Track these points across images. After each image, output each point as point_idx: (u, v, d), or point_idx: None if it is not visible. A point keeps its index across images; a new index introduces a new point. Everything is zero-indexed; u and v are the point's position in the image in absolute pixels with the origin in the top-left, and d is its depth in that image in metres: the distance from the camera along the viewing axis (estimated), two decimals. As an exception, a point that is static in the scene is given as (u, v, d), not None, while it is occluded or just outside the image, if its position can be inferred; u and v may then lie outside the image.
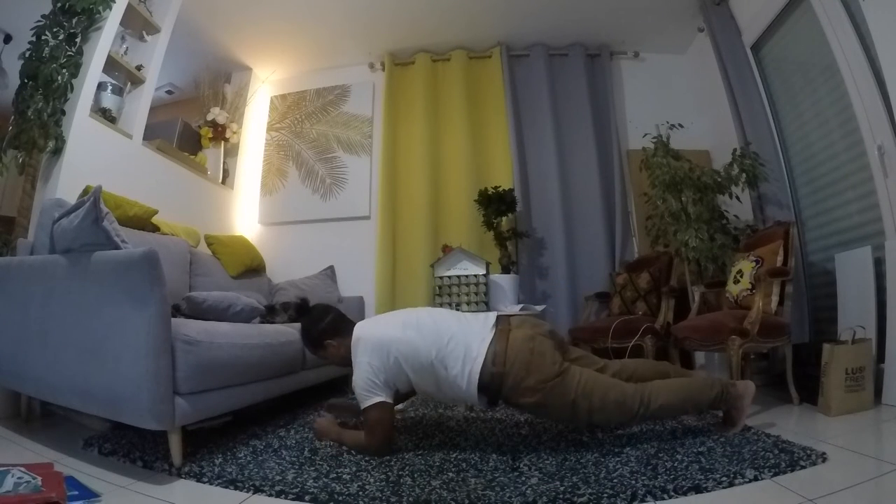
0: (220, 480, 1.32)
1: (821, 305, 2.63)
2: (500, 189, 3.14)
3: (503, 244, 3.16)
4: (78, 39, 2.35)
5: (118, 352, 1.38)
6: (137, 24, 2.83)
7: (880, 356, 1.99)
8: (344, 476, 1.33)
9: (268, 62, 3.95)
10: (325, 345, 1.65)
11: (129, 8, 2.62)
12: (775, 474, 1.24)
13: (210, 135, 3.62)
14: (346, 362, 1.60)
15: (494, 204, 3.12)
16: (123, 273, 1.41)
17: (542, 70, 3.74)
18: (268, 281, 3.39)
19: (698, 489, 1.18)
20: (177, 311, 1.98)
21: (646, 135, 3.00)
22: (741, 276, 2.34)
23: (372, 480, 1.29)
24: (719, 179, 2.74)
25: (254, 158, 3.98)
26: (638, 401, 1.48)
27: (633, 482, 1.22)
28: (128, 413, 1.41)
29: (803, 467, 1.28)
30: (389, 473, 1.35)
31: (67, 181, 2.21)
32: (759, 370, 2.58)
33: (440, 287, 2.87)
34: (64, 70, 2.24)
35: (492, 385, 1.49)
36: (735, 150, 2.81)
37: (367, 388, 1.50)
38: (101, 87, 2.55)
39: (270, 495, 1.24)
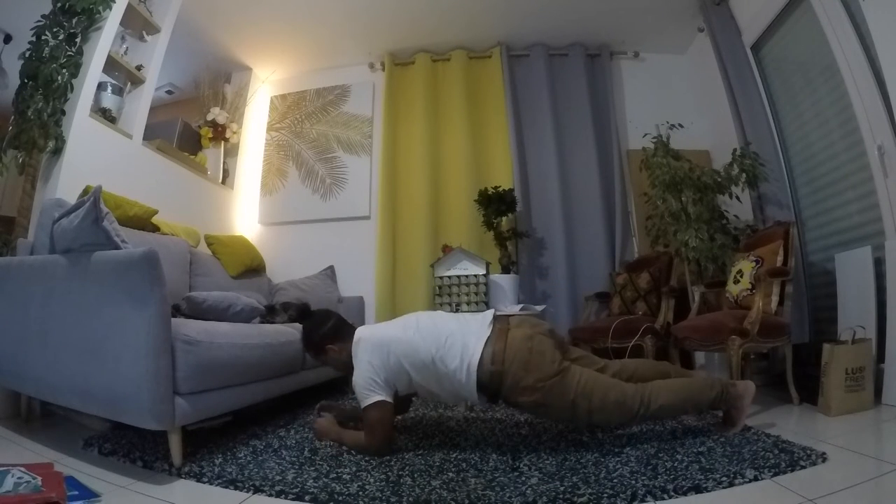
0: (220, 480, 1.32)
1: (821, 305, 2.63)
2: (500, 189, 3.14)
3: (503, 244, 3.16)
4: (78, 39, 2.35)
5: (118, 352, 1.38)
6: (137, 24, 2.83)
7: (880, 356, 1.99)
8: (344, 476, 1.33)
9: (268, 62, 3.95)
10: (326, 349, 1.65)
11: (129, 8, 2.62)
12: (775, 474, 1.24)
13: (210, 135, 3.62)
14: (347, 367, 1.61)
15: (494, 204, 3.12)
16: (123, 273, 1.41)
17: (542, 70, 3.74)
18: (268, 281, 3.39)
19: (698, 489, 1.18)
20: (177, 311, 1.98)
21: (646, 135, 3.00)
22: (741, 276, 2.34)
23: (372, 480, 1.29)
24: (719, 179, 2.74)
25: (254, 158, 3.98)
26: (638, 401, 1.48)
27: (633, 482, 1.22)
28: (128, 413, 1.41)
29: (803, 467, 1.28)
30: (389, 473, 1.35)
31: (67, 181, 2.21)
32: (759, 370, 2.58)
33: (440, 287, 2.87)
34: (64, 70, 2.24)
35: (491, 384, 1.49)
36: (735, 150, 2.81)
37: (368, 386, 1.50)
38: (101, 87, 2.55)
39: (270, 495, 1.24)
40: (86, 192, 2.13)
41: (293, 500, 1.21)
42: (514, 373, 1.47)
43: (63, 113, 2.27)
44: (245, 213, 3.84)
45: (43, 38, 2.27)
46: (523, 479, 1.28)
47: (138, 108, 2.76)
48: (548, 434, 1.72)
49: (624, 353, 2.41)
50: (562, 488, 1.20)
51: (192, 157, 3.41)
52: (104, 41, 2.45)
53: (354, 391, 1.55)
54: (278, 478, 1.32)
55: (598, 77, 3.79)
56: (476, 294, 2.84)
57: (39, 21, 2.29)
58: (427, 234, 3.48)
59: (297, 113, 4.00)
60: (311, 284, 3.37)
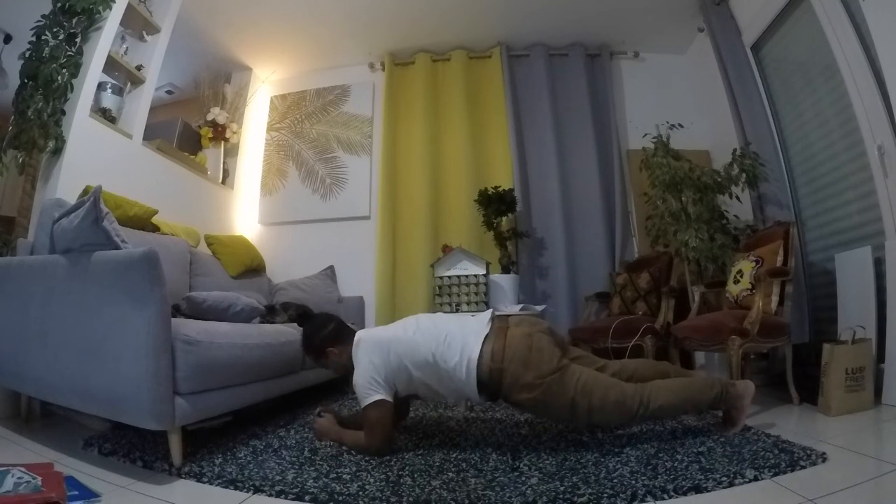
0: (220, 480, 1.32)
1: (821, 305, 2.63)
2: (500, 189, 3.14)
3: (503, 244, 3.16)
4: (78, 39, 2.35)
5: (118, 352, 1.38)
6: (137, 24, 2.83)
7: (880, 356, 1.99)
8: (344, 476, 1.33)
9: (268, 62, 3.95)
10: (326, 352, 1.66)
11: (129, 8, 2.62)
12: (775, 474, 1.24)
13: (210, 135, 3.62)
14: (347, 370, 1.63)
15: (494, 204, 3.12)
16: (123, 273, 1.41)
17: (542, 70, 3.74)
18: (268, 281, 3.39)
19: (698, 489, 1.18)
20: (177, 311, 1.98)
21: (646, 135, 3.00)
22: (741, 276, 2.34)
23: (372, 480, 1.29)
24: (719, 179, 2.74)
25: (254, 158, 3.98)
26: (638, 401, 1.48)
27: (633, 482, 1.22)
28: (128, 413, 1.41)
29: (803, 467, 1.28)
30: (389, 473, 1.35)
31: (67, 181, 2.21)
32: (759, 370, 2.58)
33: (440, 287, 2.87)
34: (64, 70, 2.24)
35: (491, 382, 1.49)
36: (735, 150, 2.81)
37: (369, 385, 1.51)
38: (101, 87, 2.55)
39: (270, 495, 1.24)
40: (86, 192, 2.13)
41: (293, 500, 1.21)
42: (513, 370, 1.47)
43: (63, 113, 2.27)
44: (245, 213, 3.84)
45: (43, 38, 2.27)
46: (523, 479, 1.28)
47: (138, 108, 2.76)
48: (548, 434, 1.72)
49: (624, 353, 2.41)
50: (562, 488, 1.20)
51: (192, 157, 3.41)
52: (104, 41, 2.45)
53: (355, 391, 1.55)
54: (278, 478, 1.32)
55: (598, 77, 3.79)
56: (476, 294, 2.84)
57: (39, 21, 2.29)
58: (427, 234, 3.48)
59: (297, 113, 4.00)
60: (311, 284, 3.37)
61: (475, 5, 3.42)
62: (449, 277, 2.88)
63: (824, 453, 1.34)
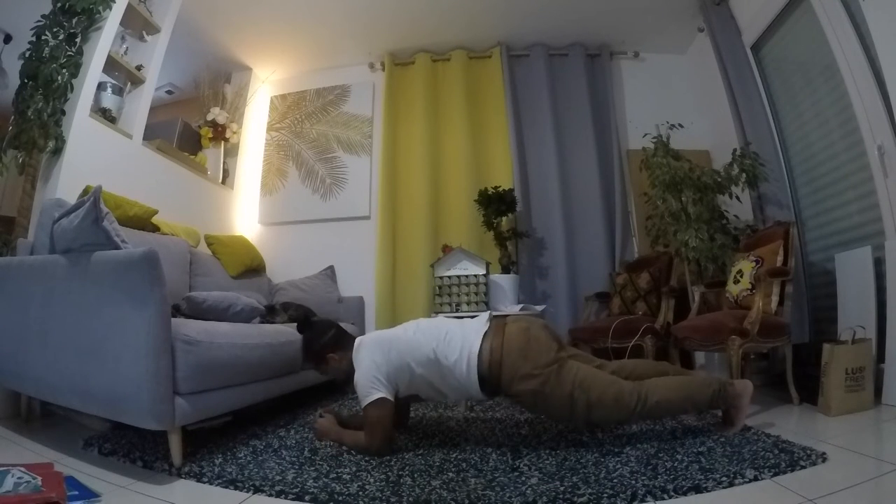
0: (220, 480, 1.32)
1: (821, 305, 2.63)
2: (500, 189, 3.14)
3: (503, 244, 3.16)
4: (78, 39, 2.35)
5: (118, 352, 1.38)
6: (137, 24, 2.83)
7: (880, 356, 1.99)
8: (344, 476, 1.33)
9: (268, 62, 3.95)
10: (327, 358, 1.66)
11: (129, 8, 2.62)
12: (775, 474, 1.24)
13: (210, 135, 3.62)
14: (347, 376, 1.64)
15: (494, 204, 3.12)
16: (123, 273, 1.41)
17: (542, 70, 3.74)
18: (268, 281, 3.39)
19: (698, 489, 1.18)
20: (177, 311, 1.98)
21: (646, 135, 3.00)
22: (741, 276, 2.34)
23: (372, 480, 1.29)
24: (719, 179, 2.74)
25: (254, 158, 3.98)
26: (636, 397, 1.49)
27: (633, 482, 1.22)
28: (128, 413, 1.41)
29: (803, 467, 1.28)
30: (389, 473, 1.35)
31: (67, 181, 2.21)
32: (759, 370, 2.58)
33: (440, 287, 2.87)
34: (64, 70, 2.24)
35: (491, 376, 1.51)
36: (735, 150, 2.81)
37: (370, 384, 1.51)
38: (101, 87, 2.55)
39: (270, 495, 1.24)
40: (86, 192, 2.13)
41: (293, 500, 1.21)
42: (512, 361, 1.50)
43: (63, 113, 2.27)
44: (245, 213, 3.84)
45: (43, 38, 2.27)
46: (523, 479, 1.28)
47: (138, 108, 2.77)
48: (548, 434, 1.72)
49: (624, 353, 2.41)
50: (562, 488, 1.20)
51: (192, 157, 3.41)
52: (104, 41, 2.45)
53: (356, 391, 1.55)
54: (278, 478, 1.32)
55: (598, 77, 3.79)
56: (476, 294, 2.84)
57: (39, 21, 2.29)
58: (427, 234, 3.48)
59: (297, 113, 4.00)
60: (311, 284, 3.37)
61: (475, 5, 3.42)
62: (449, 277, 2.88)
63: (824, 453, 1.34)
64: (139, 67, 2.79)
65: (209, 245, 3.05)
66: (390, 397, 1.53)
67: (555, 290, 3.40)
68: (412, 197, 3.59)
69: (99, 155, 2.45)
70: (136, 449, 1.52)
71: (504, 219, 3.22)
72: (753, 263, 2.32)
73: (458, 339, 1.55)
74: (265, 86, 4.08)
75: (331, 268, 3.59)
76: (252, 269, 3.23)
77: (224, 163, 3.72)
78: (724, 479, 1.21)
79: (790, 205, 2.81)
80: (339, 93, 3.96)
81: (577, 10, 3.47)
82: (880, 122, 2.13)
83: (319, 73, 4.03)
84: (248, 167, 3.94)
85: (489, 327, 1.59)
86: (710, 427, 1.71)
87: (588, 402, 1.47)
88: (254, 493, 1.26)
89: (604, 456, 1.45)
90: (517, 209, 3.29)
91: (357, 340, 1.66)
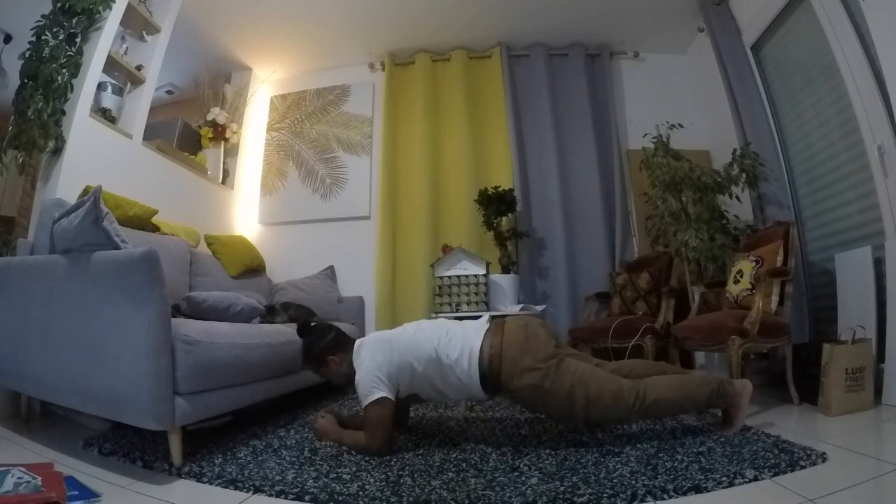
0: (220, 480, 1.32)
1: (821, 305, 2.63)
2: (500, 189, 3.14)
3: (503, 244, 3.16)
4: (78, 39, 2.35)
5: (118, 352, 1.38)
6: (137, 24, 2.83)
7: (880, 356, 1.99)
8: (344, 476, 1.33)
9: (268, 62, 3.95)
10: (327, 361, 1.66)
11: (129, 8, 2.62)
12: (775, 474, 1.24)
13: (210, 135, 3.62)
14: (347, 378, 1.65)
15: (494, 204, 3.12)
16: (123, 273, 1.41)
17: (542, 70, 3.74)
18: (268, 281, 3.39)
19: (698, 489, 1.18)
20: (177, 311, 1.98)
21: (646, 135, 3.00)
22: (741, 276, 2.34)
23: (372, 480, 1.29)
24: (719, 179, 2.74)
25: (254, 158, 3.98)
26: (634, 394, 1.50)
27: (633, 482, 1.22)
28: (128, 413, 1.41)
29: (803, 467, 1.28)
30: (389, 473, 1.35)
31: (67, 181, 2.21)
32: (759, 370, 2.58)
33: (440, 287, 2.87)
34: (64, 70, 2.24)
35: (491, 373, 1.52)
36: (735, 150, 2.81)
37: (371, 383, 1.52)
38: (101, 87, 2.55)
39: (270, 495, 1.24)
40: (86, 192, 2.13)
41: (293, 500, 1.21)
42: (512, 356, 1.52)
43: (63, 113, 2.27)
44: (245, 213, 3.84)
45: (43, 38, 2.27)
46: (523, 479, 1.28)
47: (138, 108, 2.77)
48: (548, 434, 1.72)
49: (624, 353, 2.41)
50: (562, 488, 1.20)
51: (192, 157, 3.41)
52: (104, 41, 2.45)
53: (357, 391, 1.55)
54: (278, 478, 1.32)
55: (598, 77, 3.79)
56: (476, 294, 2.84)
57: (39, 21, 2.29)
58: (427, 234, 3.48)
59: (297, 113, 4.00)
60: (311, 284, 3.37)
61: (475, 5, 3.42)
62: (449, 277, 2.88)
63: (824, 453, 1.34)
64: (139, 67, 2.79)
65: (209, 245, 3.05)
66: (392, 397, 1.54)
67: (555, 290, 3.40)
68: (412, 197, 3.59)
69: (99, 155, 2.45)
70: (136, 449, 1.52)
71: (504, 219, 3.22)
72: (753, 263, 2.32)
73: (460, 338, 1.57)
74: (265, 86, 4.08)
75: (331, 268, 3.59)
76: (252, 269, 3.23)
77: (224, 163, 3.72)
78: (724, 479, 1.21)
79: (790, 205, 2.81)
80: (339, 93, 3.96)
81: (577, 10, 3.47)
82: (880, 122, 2.13)
83: (319, 73, 4.03)
84: (248, 167, 3.94)
85: (489, 327, 1.61)
86: (709, 427, 1.71)
87: (587, 397, 1.48)
88: (254, 493, 1.26)
89: (604, 456, 1.45)
90: (517, 209, 3.29)
91: (357, 342, 1.66)
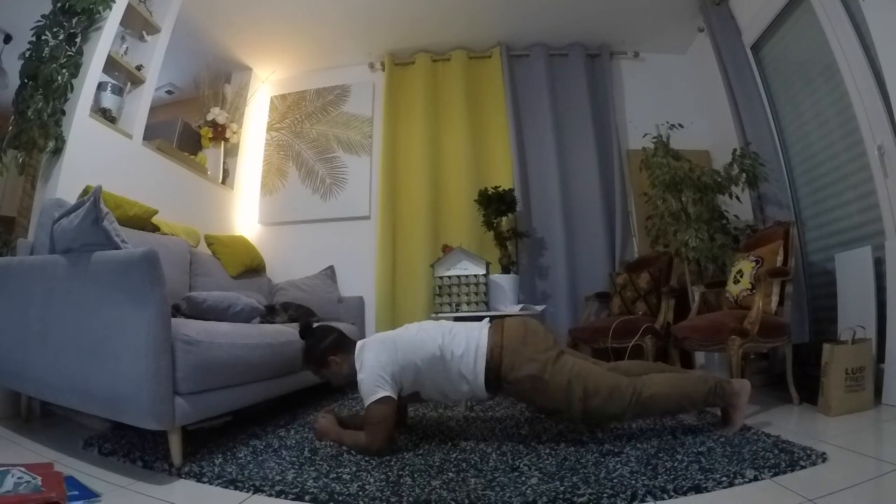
0: (220, 480, 1.32)
1: (821, 305, 2.63)
2: (500, 189, 3.14)
3: (503, 244, 3.16)
4: (78, 39, 2.35)
5: (118, 352, 1.38)
6: (137, 24, 2.83)
7: (880, 356, 1.99)
8: (344, 476, 1.33)
9: (268, 62, 3.95)
10: (328, 362, 1.66)
11: (129, 8, 2.62)
12: (775, 474, 1.24)
13: (210, 135, 3.62)
14: (348, 379, 1.66)
15: (494, 204, 3.12)
16: (123, 273, 1.41)
17: (542, 70, 3.74)
18: (268, 281, 3.39)
19: (698, 489, 1.18)
20: (177, 311, 1.98)
21: (646, 135, 3.00)
22: (741, 276, 2.34)
23: (372, 480, 1.29)
24: (719, 179, 2.74)
25: (254, 158, 3.98)
26: (631, 389, 1.52)
27: (633, 482, 1.22)
28: (128, 413, 1.41)
29: (803, 467, 1.28)
30: (389, 473, 1.35)
31: (67, 181, 2.21)
32: (759, 370, 2.58)
33: (440, 287, 2.87)
34: (64, 70, 2.25)
35: (492, 367, 1.55)
36: (735, 150, 2.81)
37: (375, 382, 1.52)
38: (101, 87, 2.55)
39: (270, 495, 1.24)
40: (86, 192, 2.13)
41: (293, 500, 1.21)
42: (513, 348, 1.56)
43: (63, 113, 2.27)
44: (245, 213, 3.84)
45: (43, 38, 2.27)
46: (523, 479, 1.28)
47: (138, 108, 2.77)
48: (548, 434, 1.72)
49: (624, 353, 2.41)
50: (562, 488, 1.20)
51: (192, 157, 3.41)
52: (104, 41, 2.45)
53: (360, 390, 1.55)
54: (278, 478, 1.32)
55: (598, 77, 3.79)
56: (476, 294, 2.84)
57: (39, 21, 2.29)
58: (427, 234, 3.48)
59: (297, 113, 4.00)
60: (311, 284, 3.37)
61: (475, 5, 3.42)
62: (449, 277, 2.88)
63: (824, 453, 1.34)
64: (139, 67, 2.79)
65: (209, 245, 3.05)
66: (395, 396, 1.54)
67: (555, 290, 3.40)
68: (412, 197, 3.59)
69: (99, 155, 2.45)
70: (136, 449, 1.52)
71: (504, 219, 3.22)
72: (753, 263, 2.32)
73: (464, 335, 1.60)
74: (265, 86, 4.08)
75: (331, 268, 3.59)
76: (252, 269, 3.23)
77: (224, 163, 3.72)
78: (724, 479, 1.21)
79: (790, 205, 2.81)
80: (339, 93, 3.96)
81: (577, 10, 3.47)
82: (880, 122, 2.13)
83: (319, 73, 4.03)
84: (248, 167, 3.94)
85: (490, 326, 1.65)
86: (709, 427, 1.71)
87: (585, 389, 1.51)
88: (254, 493, 1.26)
89: (604, 456, 1.45)
90: (517, 209, 3.29)
91: (360, 343, 1.66)
